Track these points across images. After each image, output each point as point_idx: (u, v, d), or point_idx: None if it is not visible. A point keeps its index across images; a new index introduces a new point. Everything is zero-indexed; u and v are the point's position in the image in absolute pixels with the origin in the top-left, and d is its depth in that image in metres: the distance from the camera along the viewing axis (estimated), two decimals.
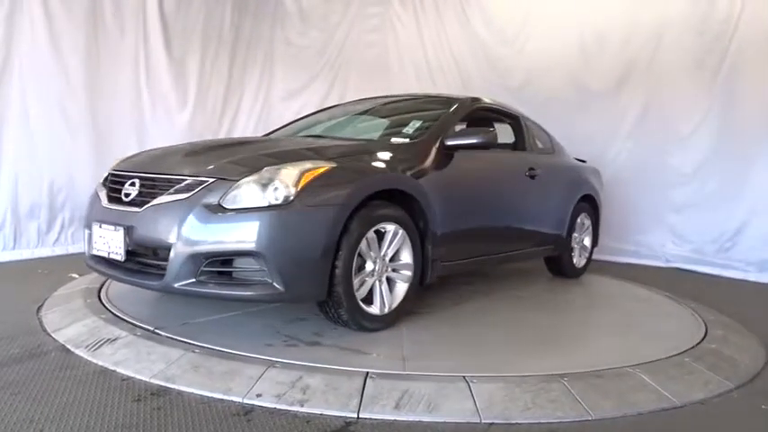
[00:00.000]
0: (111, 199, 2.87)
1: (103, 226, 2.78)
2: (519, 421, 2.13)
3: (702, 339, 3.13)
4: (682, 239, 5.83)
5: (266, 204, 2.48)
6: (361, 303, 2.76)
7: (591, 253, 4.93)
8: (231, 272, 2.54)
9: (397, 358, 2.54)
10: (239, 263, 2.52)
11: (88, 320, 2.91)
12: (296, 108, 6.69)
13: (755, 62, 5.33)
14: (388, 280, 2.93)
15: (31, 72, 4.74)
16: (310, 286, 2.56)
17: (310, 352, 2.56)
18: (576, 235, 4.65)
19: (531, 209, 4.09)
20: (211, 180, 2.58)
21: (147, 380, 2.29)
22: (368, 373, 2.33)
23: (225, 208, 2.49)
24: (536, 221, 4.15)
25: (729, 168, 5.52)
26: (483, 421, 2.11)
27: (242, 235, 2.45)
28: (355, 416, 2.10)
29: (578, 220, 4.63)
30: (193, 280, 2.49)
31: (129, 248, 2.68)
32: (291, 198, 2.49)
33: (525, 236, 4.10)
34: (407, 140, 3.33)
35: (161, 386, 2.24)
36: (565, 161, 4.69)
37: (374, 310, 2.84)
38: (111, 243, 2.74)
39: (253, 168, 2.61)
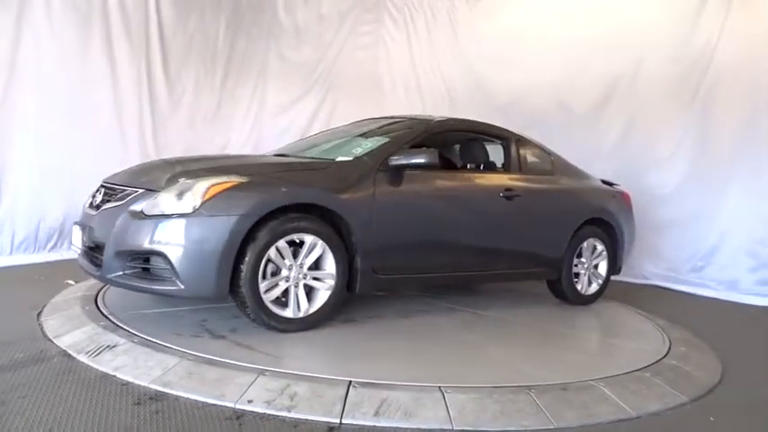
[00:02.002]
0: (89, 204, 3.39)
1: (77, 225, 3.38)
2: (487, 429, 2.33)
3: (665, 355, 3.36)
4: (658, 258, 6.08)
5: (175, 212, 2.87)
6: (269, 305, 3.03)
7: (606, 280, 4.68)
8: (149, 268, 2.94)
9: (273, 356, 2.75)
10: (154, 261, 2.92)
11: (87, 327, 3.07)
12: (287, 123, 6.89)
13: (729, 91, 5.60)
14: (308, 286, 3.17)
15: (33, 83, 4.93)
16: (209, 286, 2.87)
17: (206, 344, 2.86)
18: (583, 260, 4.50)
19: (505, 230, 4.04)
20: (141, 191, 3.07)
21: (146, 385, 2.46)
22: (351, 382, 2.52)
23: (144, 214, 2.92)
24: (514, 243, 4.11)
25: (704, 191, 5.77)
26: (455, 428, 2.31)
27: (152, 237, 2.87)
28: (338, 421, 2.29)
29: (584, 244, 4.47)
30: (121, 273, 2.95)
31: (87, 244, 3.20)
32: (197, 207, 2.86)
33: (498, 256, 4.07)
34: (350, 159, 3.53)
35: (159, 391, 2.42)
36: (565, 183, 4.51)
37: (288, 313, 3.10)
38: (76, 239, 3.34)
39: (175, 182, 3.03)
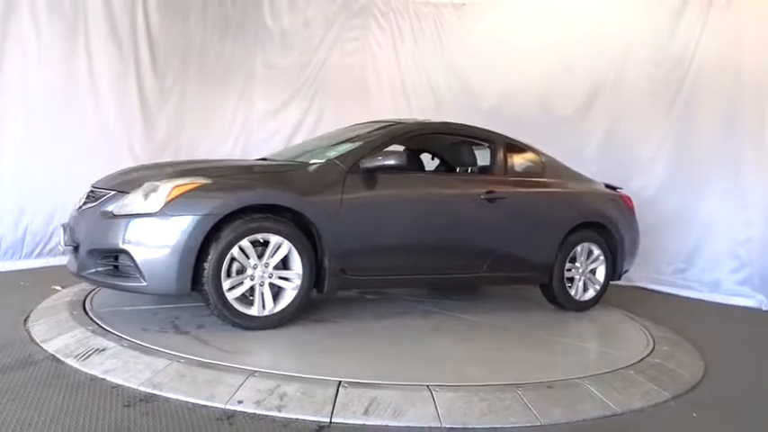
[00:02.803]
0: (76, 207, 3.48)
1: (62, 226, 3.49)
2: (475, 426, 2.38)
3: (649, 354, 3.42)
4: (642, 260, 6.14)
5: (140, 212, 3.01)
6: (233, 302, 3.12)
7: (604, 286, 4.53)
8: (118, 266, 3.07)
9: (227, 352, 2.82)
10: (121, 259, 3.05)
11: (76, 332, 3.06)
12: (275, 128, 6.90)
13: (709, 93, 5.69)
14: (274, 285, 3.24)
15: (19, 88, 4.89)
16: (170, 282, 2.99)
17: (170, 339, 2.96)
18: (577, 265, 4.36)
19: (486, 233, 3.99)
20: (113, 192, 3.23)
21: (136, 387, 2.47)
22: (340, 382, 2.55)
23: (113, 214, 3.08)
24: (496, 246, 4.04)
25: (685, 192, 5.86)
26: (443, 425, 2.35)
27: (118, 236, 3.00)
28: (328, 420, 2.32)
29: (578, 248, 4.34)
30: (93, 270, 3.11)
31: (68, 244, 3.32)
32: (161, 207, 2.98)
33: (478, 260, 4.00)
34: (321, 162, 3.60)
35: (149, 393, 2.43)
36: (555, 186, 4.41)
37: (252, 311, 3.18)
38: (62, 240, 3.43)
39: (143, 183, 3.15)
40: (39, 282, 4.35)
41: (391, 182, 3.63)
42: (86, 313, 3.38)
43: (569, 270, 4.34)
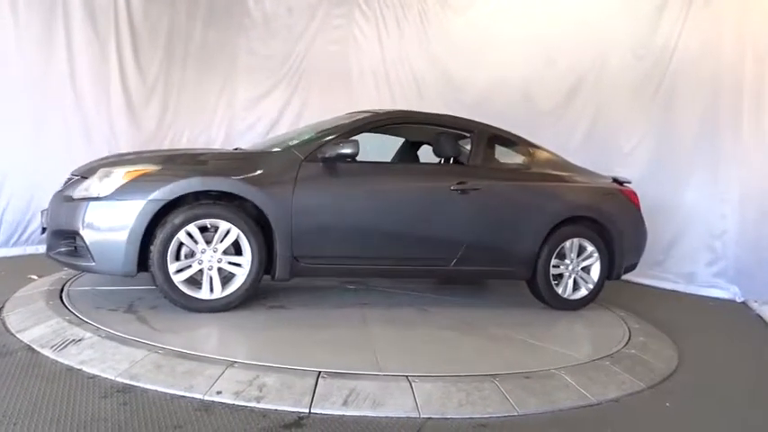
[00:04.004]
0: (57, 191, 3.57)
1: (43, 209, 3.63)
2: (453, 416, 2.40)
3: (625, 345, 3.47)
4: None
5: (93, 196, 3.17)
6: (179, 285, 3.24)
7: (598, 285, 4.26)
8: (76, 247, 3.24)
9: (158, 331, 2.94)
10: (78, 240, 3.20)
11: (52, 321, 3.03)
12: (257, 116, 6.86)
13: (689, 87, 5.75)
14: (225, 270, 3.34)
15: None
16: (117, 263, 3.15)
17: (113, 317, 3.11)
18: (567, 262, 4.14)
19: (454, 225, 3.85)
20: (77, 177, 3.39)
21: (113, 378, 2.45)
22: (320, 372, 2.55)
23: (72, 198, 3.25)
24: (466, 239, 3.86)
25: (664, 185, 5.93)
26: (421, 416, 2.37)
27: (72, 218, 3.19)
28: (307, 411, 2.33)
29: (567, 244, 4.11)
30: (57, 251, 3.32)
31: (43, 225, 3.52)
32: (111, 192, 3.15)
33: (445, 252, 3.86)
34: (278, 150, 3.69)
35: (126, 384, 2.41)
36: (541, 178, 4.23)
37: (201, 294, 3.29)
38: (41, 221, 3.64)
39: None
40: (14, 271, 4.30)
41: (352, 172, 3.67)
42: (63, 303, 3.34)
43: (557, 267, 4.12)
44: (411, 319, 3.68)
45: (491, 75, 6.72)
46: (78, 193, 3.25)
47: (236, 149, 4.18)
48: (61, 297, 3.46)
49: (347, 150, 3.50)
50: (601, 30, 6.18)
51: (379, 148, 4.71)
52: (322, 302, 3.87)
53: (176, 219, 3.21)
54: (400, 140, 4.95)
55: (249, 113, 6.87)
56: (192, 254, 3.29)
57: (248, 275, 3.35)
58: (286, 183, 3.43)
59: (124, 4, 5.68)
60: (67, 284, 3.72)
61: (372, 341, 3.13)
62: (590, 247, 4.20)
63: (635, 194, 4.62)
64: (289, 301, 3.73)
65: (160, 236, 3.18)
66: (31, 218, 5.04)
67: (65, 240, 3.28)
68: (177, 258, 3.24)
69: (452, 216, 3.85)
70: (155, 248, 3.18)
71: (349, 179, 3.66)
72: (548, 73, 6.47)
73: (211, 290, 3.31)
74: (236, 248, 3.35)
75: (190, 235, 3.25)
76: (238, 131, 6.73)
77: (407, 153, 4.93)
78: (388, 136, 4.74)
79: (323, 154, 3.54)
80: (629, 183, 4.67)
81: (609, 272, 4.32)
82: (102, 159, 3.67)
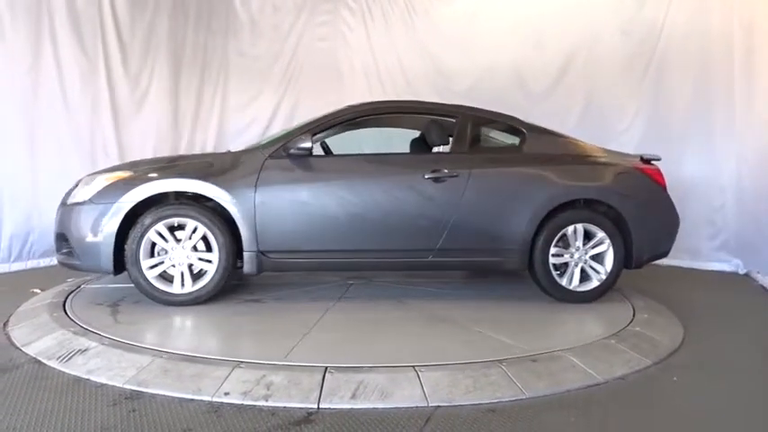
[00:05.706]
0: None
1: None
2: (462, 403, 2.40)
3: (629, 323, 3.47)
4: None
5: (78, 201, 3.54)
6: (153, 280, 3.53)
7: (613, 275, 3.86)
8: (71, 248, 3.57)
9: (126, 324, 3.20)
10: (69, 241, 3.55)
11: (57, 333, 3.04)
12: (250, 118, 6.85)
13: (679, 62, 5.74)
14: (193, 266, 3.60)
15: None
16: (97, 262, 3.48)
17: (94, 311, 3.44)
18: (572, 250, 3.82)
19: (429, 215, 3.71)
20: (75, 185, 3.70)
21: (121, 385, 2.46)
22: (327, 368, 2.56)
23: (66, 204, 3.63)
24: (443, 229, 3.70)
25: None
26: (430, 405, 2.37)
27: (63, 222, 3.60)
28: (316, 406, 2.33)
29: (569, 230, 3.79)
30: (60, 252, 3.67)
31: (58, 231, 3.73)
32: (91, 196, 3.51)
33: (419, 243, 3.74)
34: (243, 149, 3.88)
35: (134, 390, 2.42)
36: (532, 160, 3.90)
37: (172, 289, 3.56)
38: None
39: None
40: (17, 285, 4.29)
41: (319, 166, 3.77)
42: (67, 315, 3.35)
43: (560, 255, 3.81)
44: (385, 312, 3.59)
45: (481, 61, 6.70)
46: (71, 198, 3.61)
47: (227, 152, 4.19)
48: (65, 308, 3.48)
49: (301, 144, 3.62)
50: (588, 9, 6.16)
51: (379, 143, 4.73)
52: (302, 297, 3.94)
53: (146, 219, 3.50)
54: (399, 136, 4.84)
55: (243, 115, 6.87)
56: (165, 251, 3.56)
57: (216, 271, 3.58)
58: (249, 180, 3.58)
59: (110, 13, 5.64)
60: (70, 296, 3.74)
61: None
62: (600, 233, 3.83)
63: (659, 173, 4.12)
64: (266, 296, 3.92)
65: (132, 235, 3.47)
66: (30, 231, 5.04)
67: (64, 242, 3.61)
68: (152, 256, 3.54)
69: (427, 206, 3.71)
70: (128, 247, 3.48)
71: (312, 174, 3.72)
72: (538, 55, 6.45)
73: (182, 284, 3.56)
74: (209, 245, 3.58)
75: (160, 234, 3.52)
76: (236, 131, 6.75)
77: (419, 146, 4.64)
78: (388, 131, 4.75)
79: (287, 150, 3.66)
80: (657, 159, 4.19)
81: (627, 260, 3.93)
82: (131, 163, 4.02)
